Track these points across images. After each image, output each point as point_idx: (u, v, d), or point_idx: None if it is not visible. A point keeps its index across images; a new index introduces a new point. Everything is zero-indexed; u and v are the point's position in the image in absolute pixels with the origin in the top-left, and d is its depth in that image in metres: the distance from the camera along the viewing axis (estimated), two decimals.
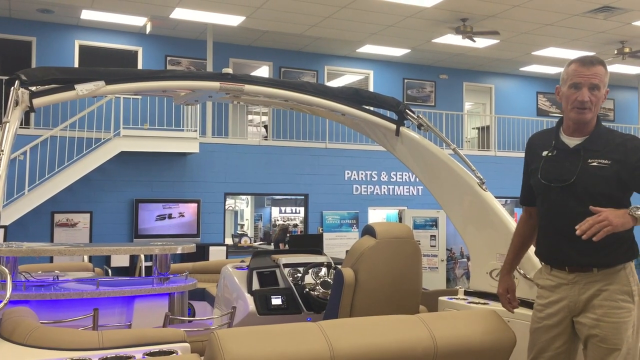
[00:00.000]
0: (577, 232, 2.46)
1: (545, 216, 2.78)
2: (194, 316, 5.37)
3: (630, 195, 2.67)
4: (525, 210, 2.98)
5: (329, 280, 4.32)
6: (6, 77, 3.30)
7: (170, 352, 2.44)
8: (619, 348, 2.56)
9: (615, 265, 2.61)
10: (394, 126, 4.20)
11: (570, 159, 2.68)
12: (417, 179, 4.80)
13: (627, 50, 12.91)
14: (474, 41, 12.12)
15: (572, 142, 2.72)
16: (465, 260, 11.19)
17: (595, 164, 2.62)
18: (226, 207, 12.66)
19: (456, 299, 3.71)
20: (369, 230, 3.81)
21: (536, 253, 2.90)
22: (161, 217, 11.45)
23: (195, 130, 11.39)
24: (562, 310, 2.67)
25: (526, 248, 3.02)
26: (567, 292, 2.66)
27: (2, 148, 2.84)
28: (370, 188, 13.39)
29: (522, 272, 3.26)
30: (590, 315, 2.60)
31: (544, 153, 2.77)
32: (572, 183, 2.64)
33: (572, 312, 2.66)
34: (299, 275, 4.50)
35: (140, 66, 12.64)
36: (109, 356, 2.34)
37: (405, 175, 13.51)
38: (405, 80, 15.27)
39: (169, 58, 12.97)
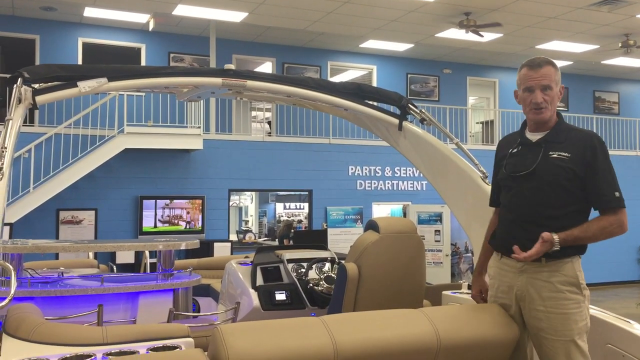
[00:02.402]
0: (520, 258, 2.63)
1: (505, 205, 2.88)
2: (198, 312, 5.39)
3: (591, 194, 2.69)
4: (495, 212, 3.05)
5: (333, 275, 4.33)
6: (9, 75, 3.31)
7: (174, 347, 2.44)
8: (570, 339, 2.60)
9: (563, 258, 2.66)
10: (396, 121, 4.20)
11: (533, 152, 2.78)
12: (421, 174, 4.80)
13: (631, 42, 12.83)
14: (482, 36, 12.06)
15: (534, 137, 2.83)
16: (470, 255, 11.18)
17: (555, 155, 2.71)
18: (230, 203, 12.67)
19: (460, 293, 3.71)
20: (372, 225, 3.81)
21: (490, 241, 2.97)
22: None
23: (199, 127, 11.40)
24: (512, 299, 2.75)
25: None
26: (514, 281, 2.74)
27: (6, 145, 2.84)
28: (375, 183, 13.38)
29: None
30: (539, 308, 2.66)
31: (510, 150, 2.89)
32: (533, 171, 2.73)
33: (520, 301, 2.73)
34: (303, 270, 4.51)
35: (143, 63, 12.66)
36: (113, 351, 2.35)
37: (410, 170, 13.50)
38: (409, 75, 15.24)
39: (172, 55, 12.98)
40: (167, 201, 11.56)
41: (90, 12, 11.43)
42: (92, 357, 2.28)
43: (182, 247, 4.93)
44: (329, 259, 4.63)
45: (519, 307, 2.75)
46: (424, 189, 13.52)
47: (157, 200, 11.49)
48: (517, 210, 2.76)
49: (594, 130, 2.86)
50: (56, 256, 8.79)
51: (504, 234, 2.83)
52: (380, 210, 13.48)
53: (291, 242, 11.98)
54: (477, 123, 17.56)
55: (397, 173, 13.56)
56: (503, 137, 3.10)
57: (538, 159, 2.73)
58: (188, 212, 11.71)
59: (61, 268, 5.41)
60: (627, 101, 17.79)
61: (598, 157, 2.68)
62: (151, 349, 2.40)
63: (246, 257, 5.29)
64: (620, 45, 12.99)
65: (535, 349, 2.75)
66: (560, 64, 16.21)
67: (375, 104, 4.31)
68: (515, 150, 2.86)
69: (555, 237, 2.60)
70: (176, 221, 11.62)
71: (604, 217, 2.68)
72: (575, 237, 2.63)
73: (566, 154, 2.69)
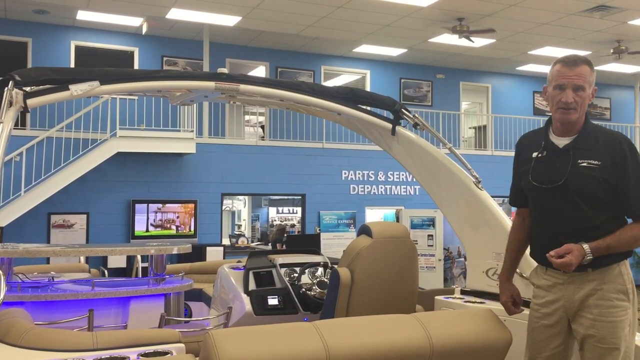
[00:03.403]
0: (552, 254, 2.55)
1: (538, 218, 2.79)
2: (190, 317, 5.36)
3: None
4: (517, 213, 2.97)
5: (326, 280, 4.32)
6: (0, 78, 3.28)
7: (165, 353, 2.43)
8: (617, 347, 2.56)
9: (610, 264, 2.61)
10: (390, 125, 4.19)
11: (560, 160, 2.68)
12: (414, 179, 4.80)
13: (623, 48, 12.92)
14: (472, 42, 12.12)
15: (561, 142, 2.72)
16: (463, 259, 11.19)
17: (585, 164, 2.62)
18: (223, 207, 12.64)
19: (452, 298, 3.70)
20: (365, 230, 3.80)
21: (531, 254, 2.90)
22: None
23: (192, 131, 11.37)
24: (558, 310, 2.67)
25: (523, 252, 3.01)
26: (563, 292, 2.67)
27: None
28: (368, 188, 13.38)
29: (518, 271, 3.25)
30: (587, 316, 2.60)
31: (534, 154, 2.77)
32: (563, 184, 2.63)
33: (568, 311, 2.66)
34: (296, 275, 4.49)
35: (136, 67, 12.62)
36: (103, 357, 2.33)
37: (403, 175, 13.51)
38: (402, 80, 15.27)
39: (165, 58, 12.96)
40: (160, 205, 11.52)
41: (83, 15, 11.40)
42: None
43: (174, 252, 4.90)
44: (322, 263, 4.61)
45: (567, 318, 2.67)
46: (417, 193, 13.54)
47: (150, 204, 11.45)
48: (552, 225, 2.68)
49: None
50: (47, 260, 8.73)
51: (543, 247, 2.71)
52: (374, 215, 13.48)
53: (284, 246, 11.95)
54: (470, 128, 17.62)
55: (390, 177, 13.57)
56: (524, 135, 2.96)
57: (567, 169, 2.62)
58: (180, 217, 11.67)
59: (52, 272, 5.37)
60: (619, 107, 17.90)
61: (628, 163, 2.59)
62: (142, 355, 2.38)
63: (238, 261, 5.27)
64: (612, 51, 13.07)
65: (579, 354, 2.68)
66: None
67: (368, 108, 4.31)
68: (540, 155, 2.74)
69: (586, 246, 2.53)
70: (168, 225, 11.58)
71: (636, 226, 2.62)
72: (607, 246, 2.55)
73: (596, 162, 2.60)
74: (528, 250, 3.05)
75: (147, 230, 11.39)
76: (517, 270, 3.24)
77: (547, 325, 2.70)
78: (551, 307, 2.69)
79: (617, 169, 2.59)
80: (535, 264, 2.88)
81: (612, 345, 2.56)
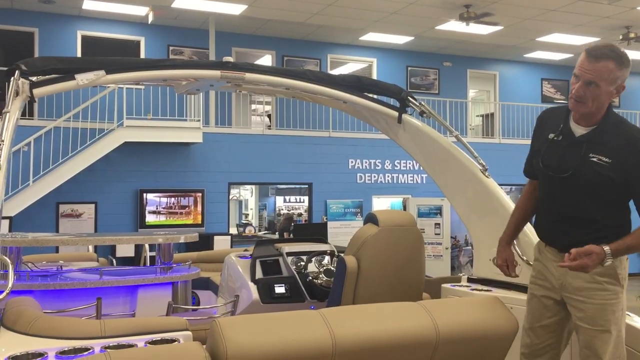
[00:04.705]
0: (565, 262, 2.52)
1: (542, 200, 2.84)
2: (198, 305, 5.40)
3: (630, 199, 2.65)
4: (530, 182, 2.99)
5: (332, 268, 4.33)
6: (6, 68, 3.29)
7: (172, 340, 2.44)
8: (608, 330, 2.59)
9: None
10: (396, 113, 4.18)
11: (572, 149, 2.67)
12: (421, 167, 4.79)
13: (632, 35, 12.78)
14: (494, 24, 11.94)
15: (578, 130, 2.70)
16: (470, 247, 11.18)
17: (595, 159, 2.60)
18: (230, 196, 12.67)
19: (459, 286, 3.70)
20: (371, 218, 3.80)
21: (535, 227, 2.97)
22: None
23: (199, 120, 11.38)
24: (551, 283, 2.75)
25: (526, 221, 3.08)
26: (555, 270, 2.73)
27: (3, 138, 2.83)
28: (374, 176, 13.37)
29: (525, 258, 3.25)
30: (577, 297, 2.65)
31: (550, 135, 2.76)
32: (569, 176, 2.65)
33: (561, 289, 2.71)
34: (302, 263, 4.51)
35: (143, 56, 12.60)
36: (110, 344, 2.34)
37: (410, 163, 13.49)
38: (409, 68, 15.20)
39: (171, 48, 12.93)
40: (167, 194, 11.56)
41: (89, 4, 11.38)
42: (90, 351, 2.28)
43: (181, 240, 4.93)
44: (329, 252, 4.63)
45: (557, 292, 2.73)
46: (424, 182, 13.51)
47: (157, 194, 11.49)
48: (556, 210, 2.73)
49: None
50: (56, 249, 8.80)
51: (545, 228, 2.79)
52: (381, 204, 13.48)
53: (291, 235, 11.97)
54: (477, 116, 17.53)
55: (397, 166, 13.54)
56: (547, 111, 2.95)
57: (577, 161, 2.62)
58: (188, 206, 11.71)
59: (60, 261, 5.42)
60: (628, 94, 17.66)
61: None
62: (149, 342, 2.40)
63: (245, 250, 5.29)
64: (621, 37, 12.93)
65: (576, 335, 2.75)
66: (560, 56, 16.02)
67: (374, 96, 4.29)
68: (555, 138, 2.73)
69: (607, 248, 2.49)
70: (176, 214, 11.62)
71: None
72: (627, 247, 2.54)
73: (607, 159, 2.58)
74: (534, 237, 3.06)
75: (155, 220, 11.44)
76: (520, 253, 3.26)
77: (539, 296, 2.79)
78: (545, 281, 2.78)
79: (628, 170, 2.56)
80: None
81: (602, 328, 2.59)
